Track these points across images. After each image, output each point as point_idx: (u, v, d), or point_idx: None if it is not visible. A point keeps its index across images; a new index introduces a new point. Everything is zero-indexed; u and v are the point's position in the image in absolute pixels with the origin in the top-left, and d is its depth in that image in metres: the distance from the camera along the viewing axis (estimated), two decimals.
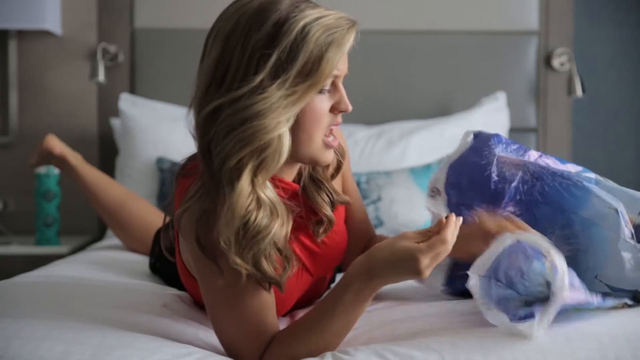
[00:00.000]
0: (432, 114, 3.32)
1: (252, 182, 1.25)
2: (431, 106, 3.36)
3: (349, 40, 1.30)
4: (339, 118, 1.33)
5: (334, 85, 1.31)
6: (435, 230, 1.28)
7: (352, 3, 3.41)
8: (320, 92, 1.29)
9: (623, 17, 3.58)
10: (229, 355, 1.34)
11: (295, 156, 1.31)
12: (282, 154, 1.26)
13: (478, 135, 1.66)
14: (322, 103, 1.30)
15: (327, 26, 1.29)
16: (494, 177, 1.55)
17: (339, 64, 1.29)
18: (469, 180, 1.56)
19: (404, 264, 1.25)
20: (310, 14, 1.29)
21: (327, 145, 1.32)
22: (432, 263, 1.25)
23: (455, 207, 1.56)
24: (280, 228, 1.27)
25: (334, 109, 1.32)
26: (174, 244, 1.52)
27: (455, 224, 1.28)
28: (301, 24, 1.26)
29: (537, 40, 3.40)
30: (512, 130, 3.32)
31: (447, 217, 1.29)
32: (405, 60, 3.33)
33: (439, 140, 3.08)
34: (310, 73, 1.25)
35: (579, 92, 3.34)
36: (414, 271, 1.25)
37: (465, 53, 3.39)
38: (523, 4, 3.40)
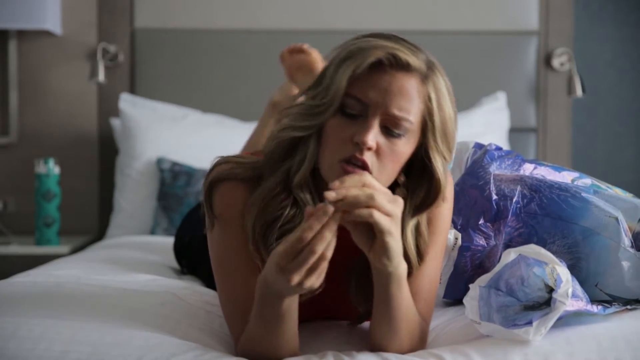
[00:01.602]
0: None
1: (289, 178, 1.33)
2: None
3: (363, 65, 1.28)
4: (358, 151, 1.27)
5: (364, 114, 1.29)
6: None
7: (352, 3, 3.41)
8: (343, 113, 1.29)
9: (623, 16, 3.58)
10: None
11: (319, 170, 1.33)
12: (305, 156, 1.32)
13: (473, 155, 1.67)
14: (341, 124, 1.29)
15: (350, 50, 1.31)
16: (494, 195, 1.55)
17: (371, 95, 1.27)
18: (470, 204, 1.56)
19: (270, 268, 1.18)
20: (363, 39, 1.32)
21: (345, 171, 1.28)
22: (297, 267, 1.15)
23: (462, 231, 1.56)
24: None
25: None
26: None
27: (316, 217, 1.15)
28: (347, 43, 1.33)
29: (537, 40, 3.40)
30: (512, 130, 3.32)
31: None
32: None
33: None
34: (326, 88, 1.30)
35: (579, 92, 3.34)
36: (282, 279, 1.16)
37: (465, 53, 3.39)
38: (523, 4, 3.40)
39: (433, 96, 1.30)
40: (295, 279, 1.15)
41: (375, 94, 1.28)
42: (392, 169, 1.31)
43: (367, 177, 1.19)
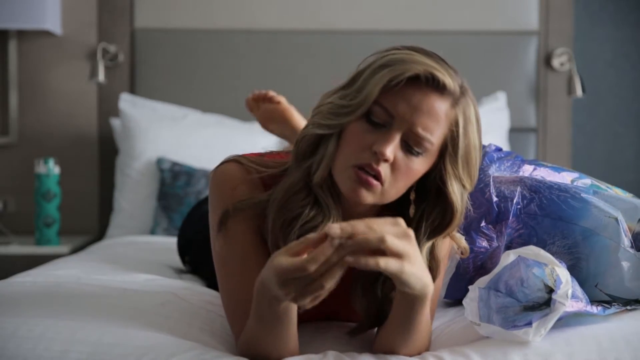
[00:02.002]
0: None
1: (310, 176, 1.33)
2: None
3: (400, 77, 1.27)
4: (375, 161, 1.27)
5: (388, 125, 1.28)
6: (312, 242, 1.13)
7: (352, 3, 3.41)
8: (368, 119, 1.29)
9: (623, 17, 3.58)
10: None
11: (332, 171, 1.32)
12: (325, 154, 1.32)
13: None
14: (363, 129, 1.29)
15: (390, 59, 1.30)
16: (494, 197, 1.55)
17: (400, 108, 1.27)
18: (472, 207, 1.56)
19: (269, 274, 1.15)
20: (404, 51, 1.32)
21: (357, 178, 1.28)
22: (297, 289, 1.12)
23: (464, 233, 1.56)
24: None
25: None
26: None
27: (322, 250, 1.10)
28: (387, 50, 1.33)
29: (537, 40, 3.40)
30: (512, 130, 3.32)
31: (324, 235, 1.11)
32: None
33: None
34: (357, 90, 1.30)
35: (579, 92, 3.34)
36: (280, 291, 1.13)
37: (466, 53, 3.39)
38: (523, 4, 3.40)
39: (461, 122, 1.30)
40: (292, 295, 1.13)
41: (405, 109, 1.27)
42: (403, 185, 1.31)
43: (371, 220, 1.14)
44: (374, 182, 1.28)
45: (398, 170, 1.29)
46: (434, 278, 1.35)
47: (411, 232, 1.15)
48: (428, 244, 1.35)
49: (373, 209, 1.39)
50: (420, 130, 1.27)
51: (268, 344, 1.28)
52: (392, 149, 1.27)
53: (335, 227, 1.10)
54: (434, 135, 1.28)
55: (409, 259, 1.14)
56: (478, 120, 1.33)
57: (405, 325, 1.29)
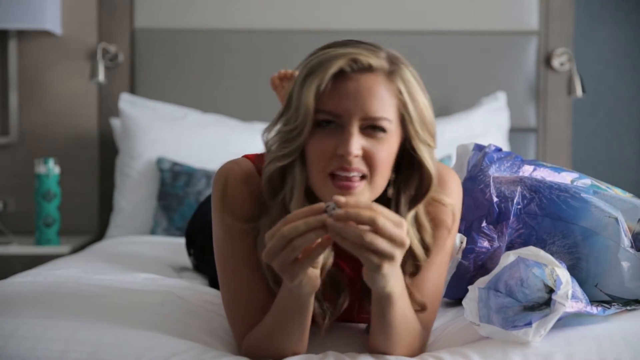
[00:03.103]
0: None
1: (287, 207, 1.32)
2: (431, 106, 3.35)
3: (325, 77, 1.27)
4: (346, 162, 1.26)
5: (340, 124, 1.28)
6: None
7: (352, 4, 3.41)
8: (319, 126, 1.29)
9: (623, 17, 3.58)
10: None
11: (313, 190, 1.32)
12: (295, 183, 1.31)
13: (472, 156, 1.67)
14: (320, 139, 1.29)
15: (310, 65, 1.30)
16: (495, 198, 1.55)
17: (342, 104, 1.27)
18: (472, 207, 1.56)
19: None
20: (321, 52, 1.32)
21: (338, 188, 1.27)
22: (281, 262, 1.15)
23: (466, 233, 1.56)
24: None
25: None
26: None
27: (306, 221, 1.13)
28: (306, 59, 1.33)
29: (537, 40, 3.40)
30: (512, 130, 3.32)
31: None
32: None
33: (439, 141, 3.07)
34: (295, 109, 1.30)
35: (579, 92, 3.34)
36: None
37: (465, 53, 3.39)
38: (523, 4, 3.40)
39: (403, 89, 1.30)
40: (278, 267, 1.15)
41: (346, 102, 1.27)
42: (384, 168, 1.31)
43: (374, 204, 1.16)
44: (354, 184, 1.28)
45: (372, 158, 1.28)
46: (426, 249, 1.35)
47: (404, 223, 1.15)
48: (411, 214, 1.34)
49: None
50: (370, 114, 1.27)
51: (281, 342, 1.29)
52: (355, 144, 1.26)
53: (341, 197, 1.13)
54: (387, 112, 1.28)
55: (401, 250, 1.15)
56: (418, 80, 1.33)
57: (382, 325, 1.29)
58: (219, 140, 3.12)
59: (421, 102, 1.32)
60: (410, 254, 1.34)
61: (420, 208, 1.36)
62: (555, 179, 1.59)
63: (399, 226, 1.14)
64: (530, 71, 3.40)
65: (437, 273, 1.40)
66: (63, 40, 3.37)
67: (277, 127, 1.33)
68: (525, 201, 1.55)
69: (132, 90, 3.38)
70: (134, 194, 3.11)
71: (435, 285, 1.40)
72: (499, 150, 1.68)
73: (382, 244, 1.13)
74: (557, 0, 3.41)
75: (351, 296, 1.41)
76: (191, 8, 3.40)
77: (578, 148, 3.55)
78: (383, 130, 1.29)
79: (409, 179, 1.35)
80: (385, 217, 1.14)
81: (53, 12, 3.24)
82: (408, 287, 1.34)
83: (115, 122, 3.27)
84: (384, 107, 1.28)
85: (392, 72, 1.30)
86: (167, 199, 3.00)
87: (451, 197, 1.40)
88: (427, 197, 1.35)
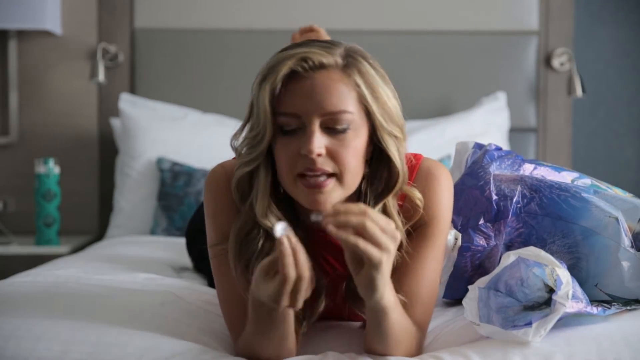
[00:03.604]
0: (432, 114, 3.32)
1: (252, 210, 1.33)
2: (431, 106, 3.36)
3: (277, 79, 1.27)
4: (310, 162, 1.26)
5: (301, 125, 1.28)
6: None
7: (353, 4, 3.41)
8: (282, 132, 1.29)
9: (623, 16, 3.58)
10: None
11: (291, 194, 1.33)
12: (259, 187, 1.32)
13: (473, 154, 1.67)
14: (284, 143, 1.29)
15: (263, 71, 1.30)
16: (494, 196, 1.55)
17: (298, 104, 1.26)
18: (470, 204, 1.56)
19: (257, 289, 1.22)
20: (274, 56, 1.31)
21: (307, 187, 1.27)
22: (279, 295, 1.17)
23: (462, 231, 1.56)
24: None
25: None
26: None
27: (286, 252, 1.16)
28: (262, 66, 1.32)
29: (537, 40, 3.40)
30: (512, 130, 3.31)
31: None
32: (405, 60, 3.32)
33: (439, 141, 3.08)
34: (256, 115, 1.30)
35: (579, 92, 3.34)
36: (270, 306, 1.22)
37: (465, 53, 3.39)
38: (523, 4, 3.40)
39: (360, 81, 1.29)
40: (283, 304, 1.17)
41: (303, 102, 1.27)
42: (354, 165, 1.29)
43: (367, 208, 1.16)
44: (324, 182, 1.27)
45: (338, 155, 1.28)
46: (402, 241, 1.34)
47: (397, 234, 1.17)
48: (377, 207, 1.34)
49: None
50: (329, 109, 1.26)
51: (266, 348, 1.29)
52: (317, 143, 1.26)
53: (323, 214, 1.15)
54: (346, 105, 1.27)
55: (389, 257, 1.16)
56: (378, 70, 1.32)
57: (377, 332, 1.29)
58: (219, 140, 3.10)
59: (383, 94, 1.31)
60: None
61: (390, 201, 1.35)
62: (556, 178, 1.59)
63: (385, 230, 1.15)
64: (530, 71, 3.40)
65: (431, 271, 1.38)
66: (63, 40, 3.37)
67: (243, 133, 1.35)
68: (526, 200, 1.55)
69: (132, 90, 3.38)
70: (134, 194, 3.11)
71: (430, 283, 1.38)
72: (499, 149, 1.68)
73: (370, 249, 1.15)
74: (557, 0, 3.41)
75: (338, 297, 1.41)
76: (191, 8, 3.40)
77: (578, 148, 3.55)
78: (346, 124, 1.28)
79: (377, 172, 1.34)
80: (374, 221, 1.15)
81: (53, 12, 3.24)
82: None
83: (115, 122, 3.27)
84: (342, 101, 1.27)
85: (347, 65, 1.29)
86: (167, 199, 3.00)
87: (441, 191, 1.39)
88: (396, 189, 1.34)
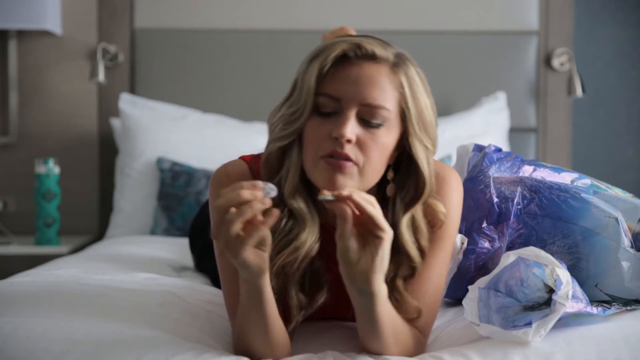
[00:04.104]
0: None
1: (281, 190, 1.33)
2: None
3: (328, 59, 1.28)
4: (338, 146, 1.27)
5: (339, 109, 1.29)
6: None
7: (352, 4, 3.41)
8: (318, 112, 1.30)
9: (623, 16, 3.58)
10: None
11: (306, 173, 1.33)
12: (290, 164, 1.32)
13: (472, 158, 1.67)
14: (318, 124, 1.30)
15: (315, 50, 1.32)
16: (495, 198, 1.55)
17: (342, 88, 1.28)
18: (472, 208, 1.56)
19: None
20: (329, 40, 1.33)
21: (329, 166, 1.28)
22: (222, 232, 1.18)
23: (466, 235, 1.56)
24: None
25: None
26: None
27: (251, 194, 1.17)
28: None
29: (537, 40, 3.40)
30: (512, 130, 3.31)
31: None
32: None
33: (439, 140, 3.07)
34: (298, 92, 1.31)
35: (579, 92, 3.34)
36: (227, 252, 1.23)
37: (465, 53, 3.39)
38: (523, 4, 3.40)
39: (405, 84, 1.30)
40: (222, 243, 1.17)
41: (346, 87, 1.28)
42: (378, 161, 1.30)
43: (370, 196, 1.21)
44: (346, 163, 1.28)
45: (366, 147, 1.29)
46: (422, 252, 1.35)
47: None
48: (407, 216, 1.34)
49: None
50: (370, 101, 1.28)
51: (249, 339, 1.29)
52: (350, 129, 1.27)
53: (327, 192, 1.20)
54: (387, 102, 1.29)
55: (387, 241, 1.21)
56: (423, 80, 1.34)
57: (371, 329, 1.29)
58: (219, 140, 3.12)
59: (422, 102, 1.32)
60: (405, 257, 1.34)
61: (418, 211, 1.36)
62: (555, 179, 1.59)
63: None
64: (530, 71, 3.40)
65: (437, 275, 1.39)
66: (63, 40, 3.37)
67: (281, 110, 1.34)
68: (526, 201, 1.55)
69: (132, 90, 3.38)
70: (134, 194, 3.11)
71: (435, 287, 1.39)
72: (498, 150, 1.68)
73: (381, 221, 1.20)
74: (557, 0, 3.41)
75: (341, 295, 1.41)
76: (191, 8, 3.40)
77: (578, 148, 3.55)
78: (381, 120, 1.29)
79: (406, 180, 1.35)
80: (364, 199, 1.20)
81: (53, 12, 3.24)
82: (401, 294, 1.34)
83: (115, 122, 3.27)
84: (384, 97, 1.29)
85: (396, 64, 1.31)
86: (167, 199, 3.00)
87: (451, 195, 1.40)
88: (422, 200, 1.35)
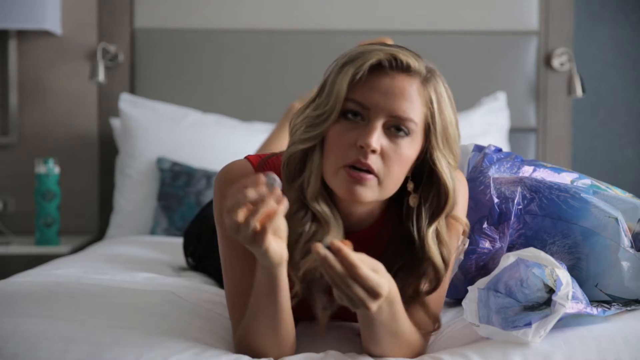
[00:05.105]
0: None
1: (304, 193, 1.33)
2: None
3: (364, 67, 1.28)
4: (362, 155, 1.27)
5: (366, 117, 1.29)
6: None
7: (352, 4, 3.41)
8: (345, 118, 1.29)
9: (623, 17, 3.58)
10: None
11: (325, 178, 1.33)
12: (313, 167, 1.32)
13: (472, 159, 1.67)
14: (343, 129, 1.29)
15: (350, 55, 1.32)
16: (495, 199, 1.55)
17: (372, 97, 1.28)
18: (473, 208, 1.56)
19: None
20: (363, 47, 1.32)
21: (349, 177, 1.28)
22: (241, 235, 1.18)
23: (469, 236, 1.56)
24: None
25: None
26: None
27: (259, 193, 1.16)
28: (347, 51, 1.34)
29: (537, 40, 3.40)
30: (512, 130, 3.31)
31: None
32: None
33: None
34: (327, 95, 1.30)
35: (579, 92, 3.34)
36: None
37: (465, 53, 3.39)
38: (523, 4, 3.40)
39: (434, 99, 1.31)
40: (242, 241, 1.17)
41: (377, 96, 1.28)
42: (398, 172, 1.31)
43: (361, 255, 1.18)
44: (367, 175, 1.28)
45: (389, 158, 1.29)
46: (446, 264, 1.35)
47: (383, 291, 1.18)
48: (432, 228, 1.35)
49: (375, 210, 1.39)
50: (399, 113, 1.28)
51: (256, 333, 1.29)
52: (376, 139, 1.27)
53: (336, 241, 1.16)
54: (414, 114, 1.29)
55: (377, 299, 1.18)
56: (450, 97, 1.34)
57: (369, 328, 1.29)
58: (219, 140, 3.12)
59: (448, 118, 1.33)
60: (432, 268, 1.34)
61: (442, 224, 1.36)
62: (555, 179, 1.59)
63: (374, 277, 1.17)
64: (530, 71, 3.40)
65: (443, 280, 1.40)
66: (63, 40, 3.37)
67: (306, 112, 1.34)
68: (526, 201, 1.55)
69: (132, 90, 3.38)
70: (134, 194, 3.11)
71: (441, 291, 1.40)
72: (499, 150, 1.68)
73: (359, 292, 1.16)
74: (557, 0, 3.41)
75: None
76: (191, 8, 3.40)
77: (578, 148, 3.55)
78: (407, 132, 1.29)
79: (429, 193, 1.35)
80: (367, 265, 1.16)
81: (53, 12, 3.24)
82: (424, 305, 1.35)
83: (115, 122, 3.27)
84: (413, 110, 1.29)
85: (427, 79, 1.31)
86: (167, 199, 3.00)
87: (459, 199, 1.40)
88: (446, 212, 1.35)
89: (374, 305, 1.18)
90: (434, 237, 1.35)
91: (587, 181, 1.60)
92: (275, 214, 1.16)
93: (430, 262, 1.34)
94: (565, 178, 1.60)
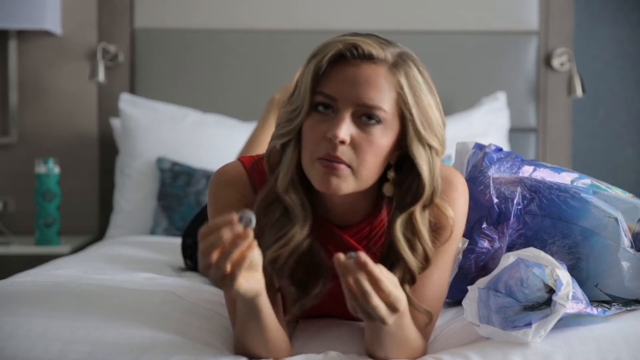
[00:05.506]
0: None
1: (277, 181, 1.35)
2: None
3: (324, 59, 1.28)
4: (331, 148, 1.27)
5: (335, 109, 1.29)
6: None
7: (352, 3, 3.41)
8: (316, 110, 1.30)
9: (623, 17, 3.58)
10: None
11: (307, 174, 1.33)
12: (286, 162, 1.33)
13: (472, 157, 1.66)
14: (315, 122, 1.30)
15: (315, 49, 1.32)
16: (495, 199, 1.55)
17: (338, 88, 1.28)
18: (472, 208, 1.56)
19: None
20: (330, 39, 1.33)
21: (323, 169, 1.28)
22: (211, 275, 1.16)
23: (467, 235, 1.56)
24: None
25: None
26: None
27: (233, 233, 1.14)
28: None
29: (537, 40, 3.40)
30: (512, 130, 3.31)
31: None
32: None
33: None
34: (298, 91, 1.32)
35: (579, 92, 3.34)
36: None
37: (465, 53, 3.39)
38: (523, 4, 3.40)
39: (405, 84, 1.29)
40: (213, 281, 1.15)
41: (343, 87, 1.28)
42: (372, 162, 1.30)
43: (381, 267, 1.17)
44: (339, 165, 1.27)
45: (360, 148, 1.28)
46: (428, 258, 1.34)
47: (401, 306, 1.19)
48: (402, 218, 1.33)
49: (360, 201, 1.38)
50: (365, 101, 1.27)
51: (249, 343, 1.30)
52: (344, 130, 1.26)
53: (361, 254, 1.14)
54: (383, 103, 1.28)
55: (395, 313, 1.19)
56: (427, 80, 1.33)
57: (376, 335, 1.29)
58: (219, 140, 3.12)
59: (425, 101, 1.31)
60: (402, 262, 1.33)
61: (417, 213, 1.33)
62: (555, 179, 1.59)
63: (395, 292, 1.17)
64: (530, 71, 3.40)
65: (441, 279, 1.39)
66: (63, 40, 3.37)
67: (284, 108, 1.36)
68: (525, 201, 1.55)
69: (132, 90, 3.38)
70: (134, 194, 3.11)
71: (438, 290, 1.39)
72: (499, 150, 1.68)
73: (380, 307, 1.16)
74: (557, 0, 3.41)
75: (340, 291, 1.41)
76: (191, 8, 3.40)
77: (578, 148, 3.55)
78: (378, 120, 1.28)
79: (406, 180, 1.34)
80: (389, 279, 1.16)
81: (53, 12, 3.24)
82: (411, 298, 1.33)
83: (115, 122, 3.27)
84: (380, 98, 1.28)
85: (395, 65, 1.30)
86: (167, 199, 3.00)
87: (459, 200, 1.40)
88: (422, 202, 1.33)
89: (391, 320, 1.19)
90: (405, 227, 1.33)
91: (587, 181, 1.60)
92: (245, 257, 1.14)
93: (399, 255, 1.32)
94: (565, 178, 1.60)
